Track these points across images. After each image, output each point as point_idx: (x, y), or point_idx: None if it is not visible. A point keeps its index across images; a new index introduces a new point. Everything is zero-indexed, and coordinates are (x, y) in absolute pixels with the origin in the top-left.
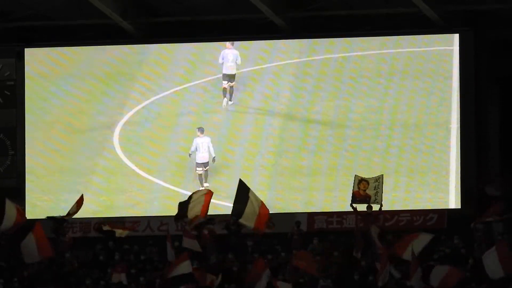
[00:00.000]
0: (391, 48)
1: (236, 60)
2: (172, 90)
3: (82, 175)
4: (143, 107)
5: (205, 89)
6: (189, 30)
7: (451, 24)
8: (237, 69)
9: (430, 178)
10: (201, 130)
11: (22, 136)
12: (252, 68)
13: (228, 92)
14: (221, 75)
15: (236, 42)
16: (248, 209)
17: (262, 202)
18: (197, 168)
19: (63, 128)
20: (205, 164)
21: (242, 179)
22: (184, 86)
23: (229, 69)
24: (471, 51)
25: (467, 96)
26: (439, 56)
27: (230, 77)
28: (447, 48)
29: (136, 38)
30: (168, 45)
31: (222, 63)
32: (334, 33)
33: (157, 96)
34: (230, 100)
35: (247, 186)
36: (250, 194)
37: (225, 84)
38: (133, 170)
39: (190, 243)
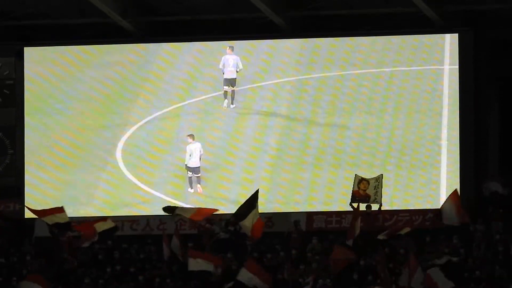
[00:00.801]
0: (388, 66)
1: (238, 64)
2: (173, 107)
3: (86, 188)
4: (145, 123)
5: (203, 107)
6: (189, 30)
7: (451, 24)
8: (237, 80)
9: (423, 192)
10: (192, 136)
11: (21, 135)
12: (250, 86)
13: (230, 95)
14: (220, 92)
15: (236, 52)
16: (248, 219)
17: (259, 218)
18: (188, 172)
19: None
20: (195, 170)
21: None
22: (185, 102)
23: (229, 74)
24: (470, 51)
25: (466, 96)
26: (432, 76)
27: (231, 82)
28: (439, 67)
29: (136, 38)
30: (169, 61)
31: (223, 69)
32: (334, 33)
33: (159, 112)
34: (232, 103)
35: (257, 200)
36: (255, 210)
37: (226, 88)
38: (135, 183)
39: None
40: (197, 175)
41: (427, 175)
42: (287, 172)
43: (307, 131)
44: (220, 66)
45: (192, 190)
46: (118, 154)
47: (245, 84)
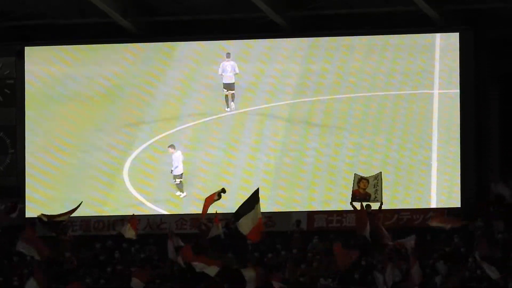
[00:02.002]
0: (380, 90)
1: (234, 70)
2: (177, 129)
3: (94, 206)
4: (149, 145)
5: (205, 129)
6: (189, 29)
7: (451, 23)
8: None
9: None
10: (173, 146)
11: (22, 135)
12: (245, 110)
13: (230, 98)
14: (223, 114)
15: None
16: (246, 218)
17: (260, 218)
18: (176, 180)
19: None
20: (181, 176)
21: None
22: (188, 125)
23: (228, 79)
24: (471, 50)
25: (467, 95)
26: (422, 100)
27: (230, 86)
28: (429, 91)
29: (136, 37)
30: (175, 82)
31: (222, 75)
32: (334, 32)
33: (163, 134)
34: (232, 102)
35: (258, 198)
36: (256, 206)
37: (226, 92)
38: (141, 201)
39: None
40: (181, 179)
41: (420, 195)
42: (284, 189)
43: (300, 155)
44: (220, 72)
45: (185, 194)
46: (125, 174)
47: (236, 107)
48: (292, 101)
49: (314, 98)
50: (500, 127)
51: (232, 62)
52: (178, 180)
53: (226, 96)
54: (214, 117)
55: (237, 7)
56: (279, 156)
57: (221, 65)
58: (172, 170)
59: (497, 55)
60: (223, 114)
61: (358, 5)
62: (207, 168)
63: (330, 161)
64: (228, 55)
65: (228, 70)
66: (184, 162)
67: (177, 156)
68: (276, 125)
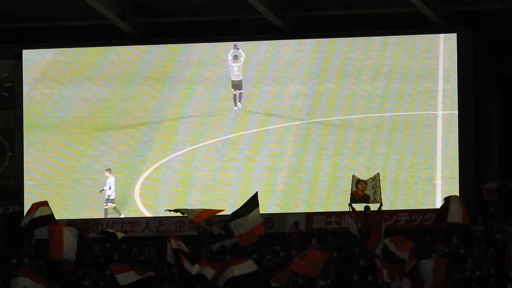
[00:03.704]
0: (390, 111)
1: (241, 61)
2: (188, 149)
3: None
4: (160, 165)
5: (215, 150)
6: (187, 31)
7: (450, 24)
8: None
9: None
10: (109, 170)
11: (20, 138)
12: (257, 130)
13: (237, 98)
14: (231, 135)
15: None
16: (242, 220)
17: (260, 223)
18: (109, 204)
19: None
20: (114, 200)
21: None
22: (198, 145)
23: (235, 77)
24: (469, 51)
25: (466, 96)
26: (426, 121)
27: (238, 84)
28: (433, 112)
29: (134, 39)
30: (182, 102)
31: (231, 74)
32: (333, 33)
33: (174, 155)
34: (239, 102)
35: (258, 203)
36: (255, 211)
37: (234, 91)
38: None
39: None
40: (113, 205)
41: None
42: (280, 206)
43: (312, 178)
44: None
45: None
46: (136, 194)
47: (251, 127)
48: (303, 122)
49: (325, 119)
50: (499, 128)
51: (239, 63)
52: (111, 205)
53: (234, 95)
54: (222, 138)
55: (235, 8)
56: (288, 179)
57: (228, 62)
58: (101, 191)
59: (496, 55)
60: (228, 136)
61: (356, 6)
62: (205, 188)
63: (328, 180)
64: (235, 58)
65: (235, 70)
66: (186, 180)
67: (113, 181)
68: (272, 149)
